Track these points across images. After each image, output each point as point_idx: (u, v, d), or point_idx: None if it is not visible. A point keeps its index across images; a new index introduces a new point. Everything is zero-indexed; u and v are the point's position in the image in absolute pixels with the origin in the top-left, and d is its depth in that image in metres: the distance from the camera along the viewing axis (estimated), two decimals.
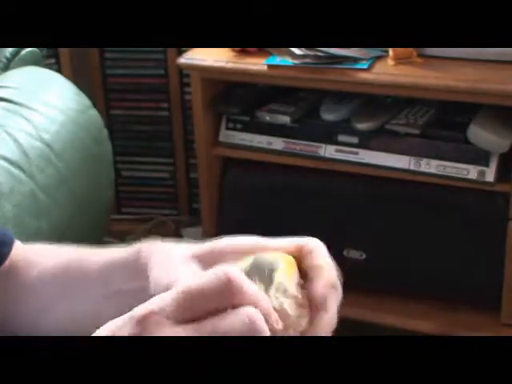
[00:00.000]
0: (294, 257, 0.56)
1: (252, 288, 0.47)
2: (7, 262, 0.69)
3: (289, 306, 0.51)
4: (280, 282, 0.52)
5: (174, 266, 0.58)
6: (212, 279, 0.46)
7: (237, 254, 0.56)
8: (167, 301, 0.46)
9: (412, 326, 1.57)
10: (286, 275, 0.52)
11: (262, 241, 0.59)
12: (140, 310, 0.47)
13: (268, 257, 0.54)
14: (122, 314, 0.48)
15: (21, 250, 0.70)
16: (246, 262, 0.53)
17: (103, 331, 0.48)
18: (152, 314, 0.46)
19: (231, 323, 0.45)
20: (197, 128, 1.66)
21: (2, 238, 0.71)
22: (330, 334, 0.53)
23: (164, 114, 2.09)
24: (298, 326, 0.51)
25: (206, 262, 0.59)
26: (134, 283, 0.61)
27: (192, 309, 0.46)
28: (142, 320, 0.46)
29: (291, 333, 0.51)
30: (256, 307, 0.46)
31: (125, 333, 0.46)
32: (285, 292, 0.52)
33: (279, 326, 0.48)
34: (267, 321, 0.47)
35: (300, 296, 0.52)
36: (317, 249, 0.56)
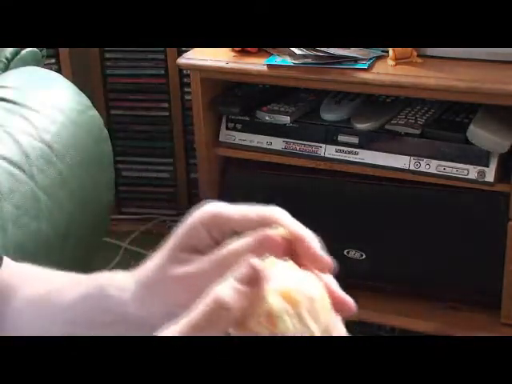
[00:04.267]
0: (294, 253, 0.54)
1: (240, 304, 0.47)
2: None
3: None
4: (326, 325, 0.49)
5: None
6: (205, 311, 0.46)
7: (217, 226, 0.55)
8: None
9: (412, 326, 1.57)
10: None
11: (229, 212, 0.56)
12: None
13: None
14: None
15: (7, 271, 0.66)
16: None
17: None
18: None
19: None
20: (197, 128, 1.66)
21: None
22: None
23: (164, 113, 2.09)
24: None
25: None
26: (108, 318, 0.58)
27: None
28: None
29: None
30: None
31: None
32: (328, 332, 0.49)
33: None
34: None
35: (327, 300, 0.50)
36: (283, 217, 0.57)
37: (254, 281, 0.48)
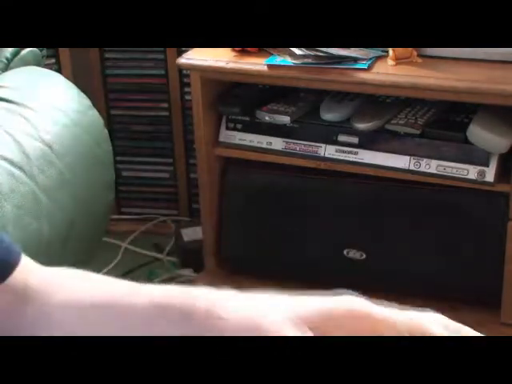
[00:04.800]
0: None
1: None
2: (20, 283, 0.58)
3: None
4: None
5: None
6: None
7: (353, 320, 0.49)
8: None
9: None
10: None
11: (376, 313, 0.50)
12: None
13: None
14: None
15: (39, 276, 0.59)
16: None
17: None
18: None
19: None
20: (197, 128, 1.66)
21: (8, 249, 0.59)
22: None
23: (164, 113, 2.09)
24: None
25: (317, 330, 0.48)
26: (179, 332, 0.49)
27: None
28: None
29: None
30: None
31: None
32: None
33: None
34: None
35: None
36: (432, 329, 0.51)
37: None
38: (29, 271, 0.59)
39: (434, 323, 0.51)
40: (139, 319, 0.51)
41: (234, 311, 0.48)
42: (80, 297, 0.55)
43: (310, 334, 0.47)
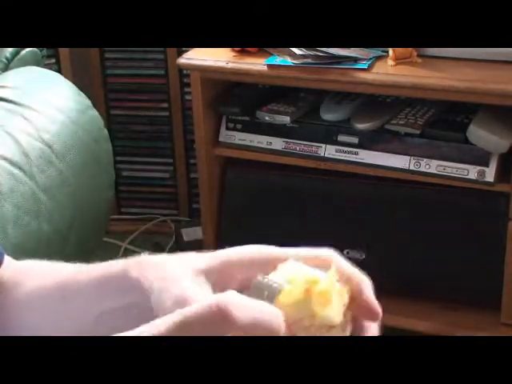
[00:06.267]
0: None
1: (245, 319, 0.45)
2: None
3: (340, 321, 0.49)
4: (325, 316, 0.48)
5: (177, 280, 0.55)
6: (203, 310, 0.45)
7: (249, 268, 0.54)
8: (160, 330, 0.45)
9: (412, 326, 1.57)
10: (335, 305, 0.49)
11: (276, 251, 0.55)
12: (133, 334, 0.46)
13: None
14: (115, 332, 0.47)
15: (10, 269, 0.66)
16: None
17: None
18: None
19: None
20: (197, 128, 1.66)
21: None
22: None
23: (164, 113, 2.09)
24: None
25: (214, 278, 0.56)
26: (125, 300, 0.57)
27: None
28: None
29: None
30: (260, 333, 0.45)
31: None
32: (330, 328, 0.49)
33: None
34: None
35: (344, 318, 0.50)
36: (338, 259, 0.53)
37: None
38: (5, 267, 0.63)
39: (338, 257, 0.53)
40: (84, 295, 0.60)
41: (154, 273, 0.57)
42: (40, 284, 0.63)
43: (201, 278, 0.55)
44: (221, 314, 0.45)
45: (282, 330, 0.47)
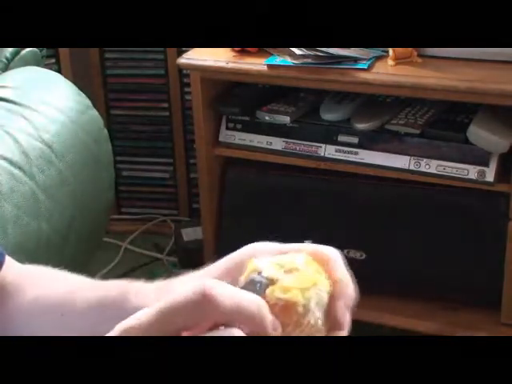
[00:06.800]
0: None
1: (229, 305, 0.45)
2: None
3: (323, 323, 0.50)
4: (322, 296, 0.50)
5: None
6: (189, 295, 0.45)
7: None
8: (148, 316, 0.46)
9: (412, 326, 1.57)
10: (323, 286, 0.51)
11: (277, 246, 0.56)
12: (121, 325, 0.47)
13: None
14: None
15: (12, 271, 0.67)
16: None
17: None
18: (132, 329, 0.46)
19: None
20: (197, 128, 1.66)
21: None
22: None
23: (164, 113, 2.09)
24: None
25: (226, 275, 0.56)
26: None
27: (171, 325, 0.45)
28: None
29: None
30: (243, 321, 0.46)
31: None
32: (322, 306, 0.50)
33: (277, 333, 0.48)
34: (264, 330, 0.47)
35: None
36: (336, 259, 0.54)
37: None
38: (6, 268, 0.63)
39: (338, 257, 0.54)
40: (82, 319, 0.61)
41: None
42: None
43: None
44: (205, 298, 0.45)
45: (265, 320, 0.47)
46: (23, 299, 0.64)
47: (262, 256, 0.53)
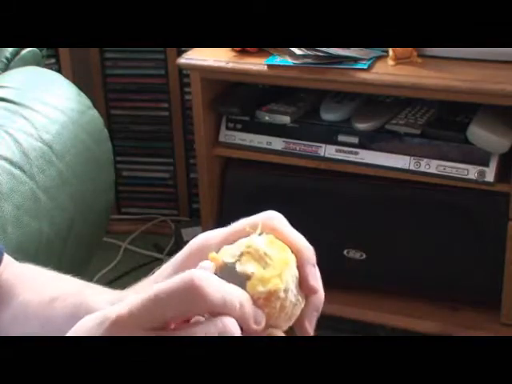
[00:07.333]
0: None
1: (216, 296, 0.46)
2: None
3: (300, 296, 0.51)
4: (294, 271, 0.51)
5: None
6: (178, 284, 0.45)
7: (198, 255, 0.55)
8: (138, 305, 0.46)
9: (412, 326, 1.57)
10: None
11: (224, 230, 0.57)
12: (110, 313, 0.47)
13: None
14: None
15: (9, 270, 0.67)
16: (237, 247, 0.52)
17: (75, 333, 0.48)
18: (120, 317, 0.46)
19: (203, 333, 0.45)
20: (197, 128, 1.66)
21: None
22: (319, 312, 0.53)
23: (164, 113, 2.09)
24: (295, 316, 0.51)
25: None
26: None
27: (160, 315, 0.46)
28: (111, 325, 0.46)
29: (290, 324, 0.51)
30: (227, 313, 0.46)
31: (95, 335, 0.46)
32: (296, 279, 0.51)
33: (260, 326, 0.48)
34: (247, 324, 0.47)
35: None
36: (284, 225, 0.55)
37: None
38: (3, 267, 0.63)
39: (280, 220, 0.55)
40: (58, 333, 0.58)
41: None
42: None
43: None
44: (194, 288, 0.45)
45: (247, 313, 0.47)
46: (12, 300, 0.64)
47: (215, 244, 0.54)
